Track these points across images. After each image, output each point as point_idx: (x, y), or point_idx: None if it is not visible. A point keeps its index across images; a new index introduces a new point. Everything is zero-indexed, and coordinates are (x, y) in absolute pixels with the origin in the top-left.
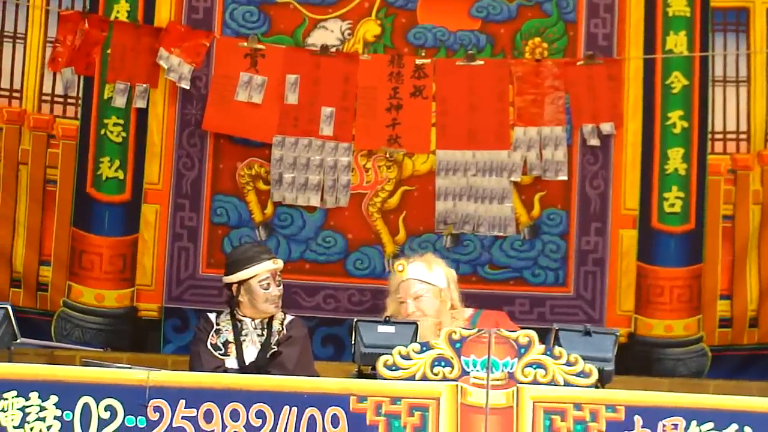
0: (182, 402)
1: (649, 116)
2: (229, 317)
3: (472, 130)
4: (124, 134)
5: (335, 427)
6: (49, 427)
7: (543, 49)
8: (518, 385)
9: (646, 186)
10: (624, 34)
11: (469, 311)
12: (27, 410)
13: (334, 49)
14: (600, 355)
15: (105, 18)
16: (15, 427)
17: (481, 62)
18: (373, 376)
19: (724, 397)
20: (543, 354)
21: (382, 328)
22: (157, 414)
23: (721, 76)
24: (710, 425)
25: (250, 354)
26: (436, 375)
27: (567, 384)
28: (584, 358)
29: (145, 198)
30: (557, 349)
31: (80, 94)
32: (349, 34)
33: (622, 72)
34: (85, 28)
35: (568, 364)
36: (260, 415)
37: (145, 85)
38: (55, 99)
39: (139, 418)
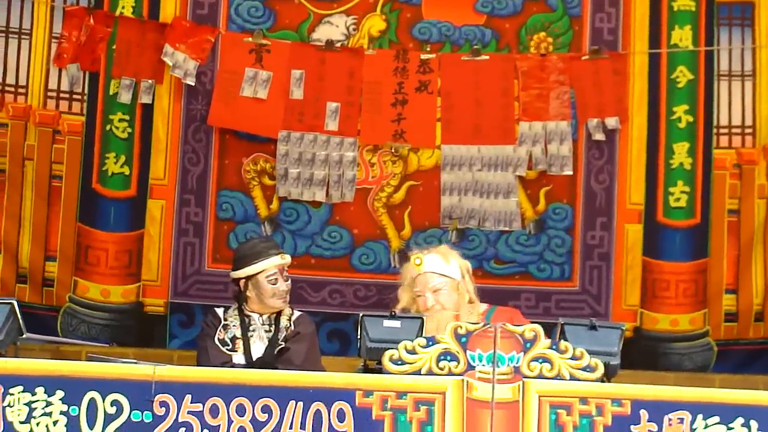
0: (188, 397)
1: (654, 111)
2: (236, 312)
3: (478, 124)
4: (129, 130)
5: (341, 422)
6: (55, 422)
7: (548, 44)
8: (524, 379)
9: (652, 180)
10: (629, 29)
11: (484, 306)
12: (33, 405)
13: (339, 44)
14: (606, 349)
15: (110, 14)
16: (21, 422)
17: (486, 57)
18: (379, 370)
19: (729, 391)
20: (549, 348)
21: (387, 323)
22: (163, 409)
23: (726, 71)
24: (716, 419)
25: (258, 350)
26: (441, 369)
27: (573, 378)
28: (590, 353)
29: (151, 193)
30: (563, 344)
31: (86, 90)
32: (354, 29)
33: (627, 66)
34: (90, 24)
35: (574, 358)
36: (266, 409)
37: (150, 81)
38: (61, 95)
39: (145, 413)
